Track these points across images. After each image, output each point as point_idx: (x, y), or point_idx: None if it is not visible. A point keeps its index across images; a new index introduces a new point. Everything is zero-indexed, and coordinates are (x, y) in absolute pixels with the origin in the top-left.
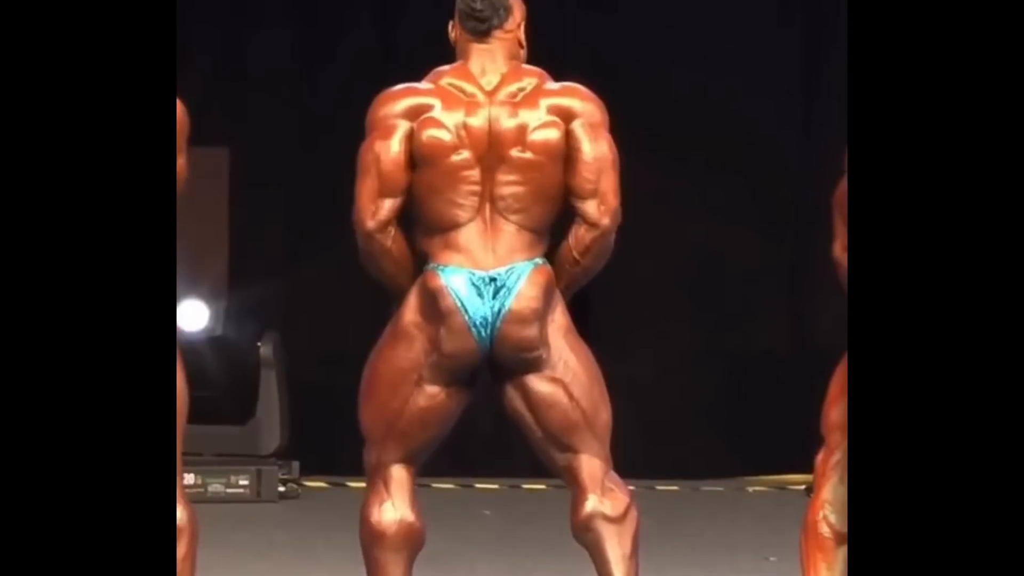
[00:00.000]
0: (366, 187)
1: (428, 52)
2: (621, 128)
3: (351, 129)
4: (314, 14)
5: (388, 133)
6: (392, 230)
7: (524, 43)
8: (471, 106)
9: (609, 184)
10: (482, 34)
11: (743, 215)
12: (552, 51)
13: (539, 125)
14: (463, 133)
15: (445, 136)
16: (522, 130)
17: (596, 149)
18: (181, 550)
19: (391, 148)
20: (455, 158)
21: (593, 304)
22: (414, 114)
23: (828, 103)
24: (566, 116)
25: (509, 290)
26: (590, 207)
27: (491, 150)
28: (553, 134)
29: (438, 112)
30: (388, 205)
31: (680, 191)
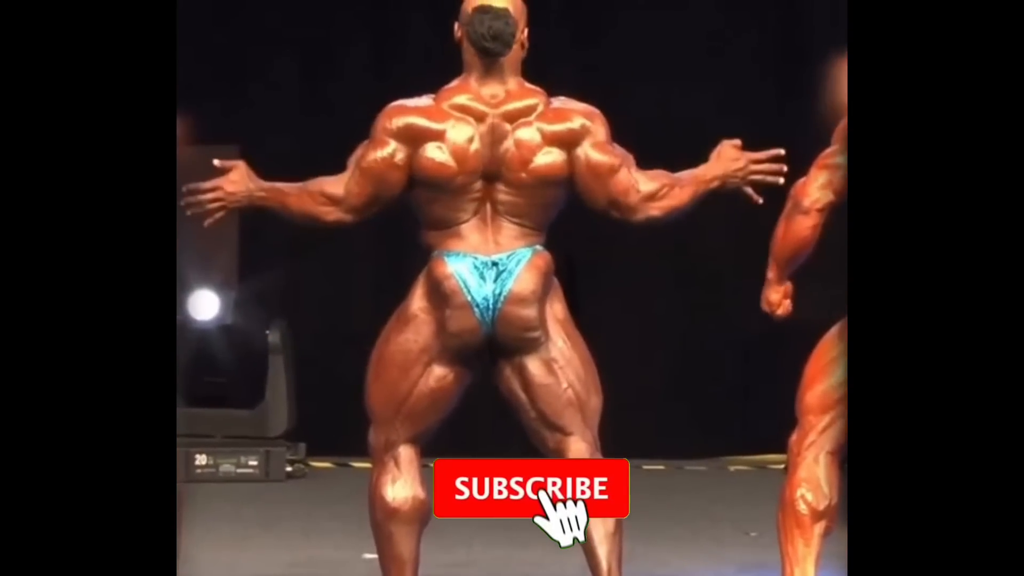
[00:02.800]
0: (348, 175)
1: (426, 57)
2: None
3: (354, 126)
4: (319, 15)
5: (382, 146)
6: (344, 216)
7: (526, 45)
8: (474, 123)
9: (618, 188)
10: (492, 59)
11: (726, 196)
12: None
13: (543, 152)
14: (464, 155)
15: (447, 160)
16: (525, 157)
17: (603, 164)
18: None
19: (377, 157)
20: (458, 180)
21: (577, 285)
22: (414, 136)
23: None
24: (571, 141)
25: (510, 273)
26: (614, 213)
27: (493, 164)
28: (557, 159)
29: (440, 137)
30: (359, 196)
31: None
